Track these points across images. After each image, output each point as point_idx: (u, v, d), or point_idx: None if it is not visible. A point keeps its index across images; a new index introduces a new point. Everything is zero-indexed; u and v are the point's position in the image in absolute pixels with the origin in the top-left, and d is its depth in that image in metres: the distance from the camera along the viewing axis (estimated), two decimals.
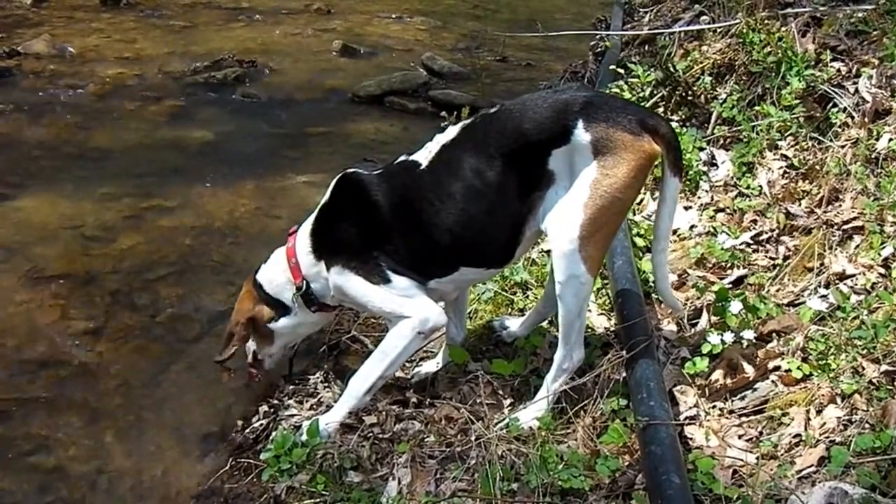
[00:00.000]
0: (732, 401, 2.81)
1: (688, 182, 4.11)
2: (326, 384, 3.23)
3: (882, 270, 3.07)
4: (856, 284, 3.06)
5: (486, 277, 3.28)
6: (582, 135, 2.56)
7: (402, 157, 2.88)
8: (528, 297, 3.56)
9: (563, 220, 2.59)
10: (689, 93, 4.59)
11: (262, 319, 3.09)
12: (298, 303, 3.03)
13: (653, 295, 3.29)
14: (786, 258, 3.43)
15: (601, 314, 3.38)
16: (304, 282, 2.98)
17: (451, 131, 2.81)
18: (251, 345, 3.18)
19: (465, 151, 2.71)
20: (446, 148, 2.77)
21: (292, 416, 3.06)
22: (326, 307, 3.06)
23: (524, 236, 2.75)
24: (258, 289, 3.09)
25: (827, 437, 2.49)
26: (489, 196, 2.67)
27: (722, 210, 3.91)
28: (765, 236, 3.60)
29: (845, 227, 3.34)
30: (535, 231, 2.73)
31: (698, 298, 3.29)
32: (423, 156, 2.80)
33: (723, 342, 2.85)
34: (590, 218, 2.56)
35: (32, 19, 7.83)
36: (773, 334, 2.95)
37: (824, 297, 3.04)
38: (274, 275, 3.06)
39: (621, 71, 5.14)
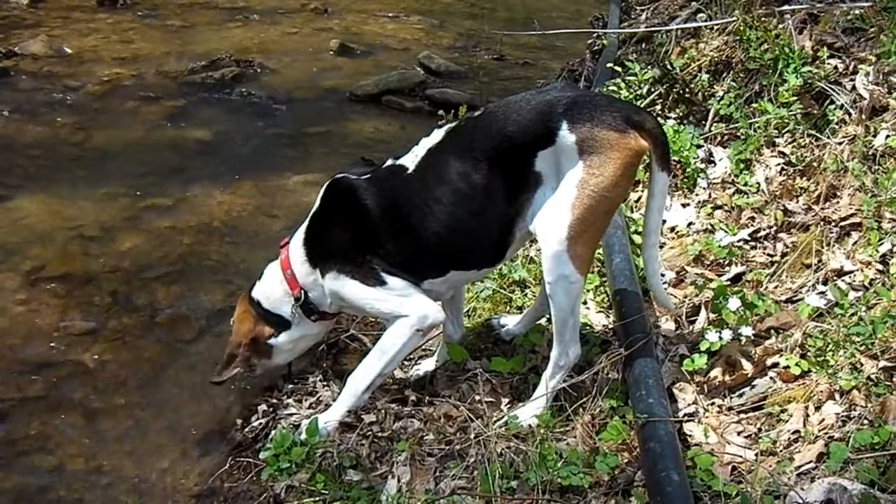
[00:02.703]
0: (731, 397, 2.81)
1: (685, 179, 4.11)
2: (325, 383, 3.23)
3: (880, 267, 3.07)
4: (854, 281, 3.06)
5: (480, 277, 3.27)
6: (566, 136, 2.56)
7: (390, 161, 2.88)
8: (526, 294, 3.56)
9: (551, 221, 2.59)
10: (687, 90, 4.58)
11: (263, 337, 3.04)
12: (298, 314, 2.99)
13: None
14: (784, 255, 3.44)
15: (599, 312, 3.39)
16: (302, 292, 2.95)
17: (437, 135, 2.80)
18: None
19: (451, 155, 2.71)
20: (432, 152, 2.76)
21: (291, 414, 3.07)
22: (326, 315, 3.04)
23: (514, 238, 2.75)
24: (256, 306, 3.04)
25: (826, 434, 2.49)
26: (475, 199, 2.67)
27: (720, 207, 3.91)
28: (763, 233, 3.61)
29: (843, 223, 3.34)
30: (525, 232, 2.73)
31: (696, 295, 3.30)
32: (410, 160, 2.80)
33: (721, 339, 2.86)
34: (578, 218, 2.56)
35: (29, 20, 7.79)
36: (772, 331, 2.96)
37: (822, 293, 3.04)
38: (270, 289, 3.02)
39: (618, 69, 5.14)
